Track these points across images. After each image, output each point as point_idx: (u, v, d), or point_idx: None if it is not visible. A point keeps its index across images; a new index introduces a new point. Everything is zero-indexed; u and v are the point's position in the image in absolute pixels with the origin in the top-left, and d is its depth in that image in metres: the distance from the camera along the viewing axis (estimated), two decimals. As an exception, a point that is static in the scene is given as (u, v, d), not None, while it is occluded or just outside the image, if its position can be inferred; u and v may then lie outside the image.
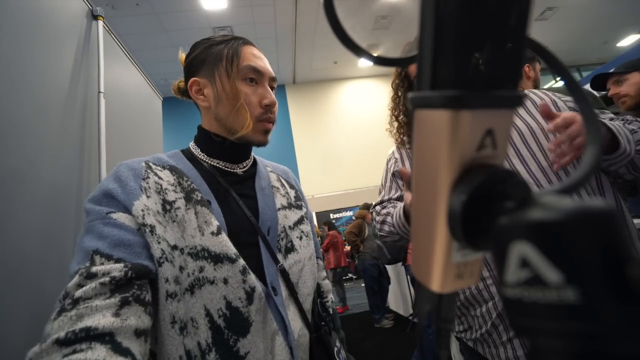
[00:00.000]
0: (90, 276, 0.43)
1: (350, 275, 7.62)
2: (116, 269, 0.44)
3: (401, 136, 1.01)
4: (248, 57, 0.63)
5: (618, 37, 7.36)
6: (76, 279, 0.43)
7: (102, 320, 0.40)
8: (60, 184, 0.99)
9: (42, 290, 0.84)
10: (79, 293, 0.41)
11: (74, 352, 0.37)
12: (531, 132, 0.80)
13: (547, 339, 0.13)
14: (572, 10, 6.10)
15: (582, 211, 0.13)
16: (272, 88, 0.67)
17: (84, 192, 1.08)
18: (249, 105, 0.62)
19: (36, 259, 0.85)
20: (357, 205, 5.44)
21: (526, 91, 0.88)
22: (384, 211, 0.95)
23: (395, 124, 1.02)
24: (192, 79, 0.65)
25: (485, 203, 0.16)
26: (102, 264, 0.44)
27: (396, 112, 1.01)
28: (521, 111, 0.85)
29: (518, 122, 0.82)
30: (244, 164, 0.68)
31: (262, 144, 0.66)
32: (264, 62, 0.65)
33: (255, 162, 0.72)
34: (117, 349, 0.39)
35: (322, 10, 0.20)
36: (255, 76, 0.64)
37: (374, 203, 1.04)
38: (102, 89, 1.24)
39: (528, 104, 0.86)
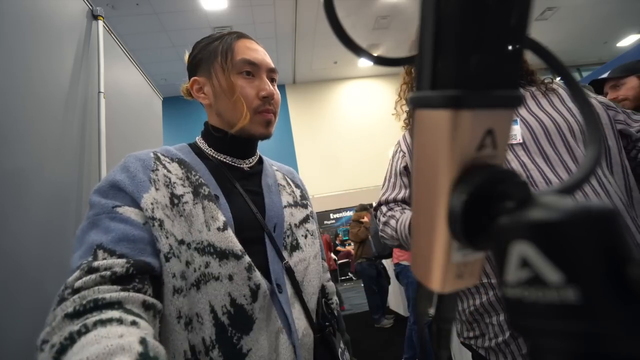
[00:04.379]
0: (92, 270, 0.42)
1: (350, 275, 7.62)
2: (118, 264, 0.43)
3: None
4: (242, 51, 0.63)
5: (618, 37, 7.36)
6: (77, 273, 0.42)
7: (108, 293, 0.40)
8: (60, 183, 0.99)
9: (43, 288, 0.84)
10: (78, 284, 0.40)
11: (86, 320, 0.37)
12: (557, 129, 0.72)
13: (547, 339, 0.13)
14: (572, 10, 6.10)
15: (583, 211, 0.13)
16: (272, 80, 0.66)
17: (84, 192, 1.08)
18: (246, 97, 0.62)
19: (36, 258, 0.85)
20: (357, 205, 5.43)
21: (554, 85, 0.81)
22: (389, 213, 0.91)
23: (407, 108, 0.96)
24: (192, 78, 0.66)
25: (486, 203, 0.16)
26: (105, 259, 0.44)
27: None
28: (545, 104, 0.78)
29: (542, 116, 0.75)
30: (250, 160, 0.68)
31: (265, 136, 0.65)
32: (259, 54, 0.65)
33: (261, 160, 0.72)
34: (129, 313, 0.39)
35: (322, 10, 0.20)
36: (251, 69, 0.63)
37: (378, 200, 0.99)
38: (102, 89, 1.24)
39: (554, 97, 0.79)
